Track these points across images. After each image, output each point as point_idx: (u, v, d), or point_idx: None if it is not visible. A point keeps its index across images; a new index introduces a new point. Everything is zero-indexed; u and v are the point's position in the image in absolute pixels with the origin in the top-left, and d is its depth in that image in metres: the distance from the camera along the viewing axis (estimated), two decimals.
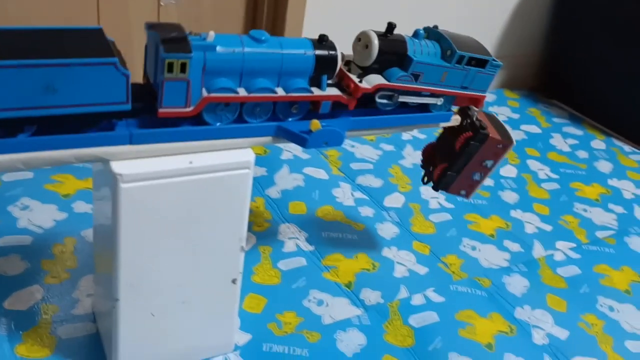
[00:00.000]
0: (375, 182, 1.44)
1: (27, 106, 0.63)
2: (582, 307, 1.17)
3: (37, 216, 1.14)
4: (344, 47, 0.83)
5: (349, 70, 0.85)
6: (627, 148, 1.87)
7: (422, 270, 1.19)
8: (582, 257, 1.31)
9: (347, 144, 1.59)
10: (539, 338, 1.07)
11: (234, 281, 0.86)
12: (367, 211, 1.33)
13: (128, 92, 0.67)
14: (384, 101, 0.87)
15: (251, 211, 1.26)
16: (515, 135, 1.81)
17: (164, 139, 0.73)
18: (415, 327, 1.04)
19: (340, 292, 1.09)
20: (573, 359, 1.04)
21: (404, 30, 0.90)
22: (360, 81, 0.83)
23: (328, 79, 0.81)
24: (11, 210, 1.14)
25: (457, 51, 0.87)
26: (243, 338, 0.97)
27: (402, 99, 0.88)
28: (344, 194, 1.38)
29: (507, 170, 1.62)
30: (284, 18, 1.54)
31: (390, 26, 0.85)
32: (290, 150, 1.51)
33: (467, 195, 1.07)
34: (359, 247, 1.22)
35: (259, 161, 1.44)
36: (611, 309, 1.18)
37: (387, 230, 1.28)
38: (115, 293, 0.78)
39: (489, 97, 2.04)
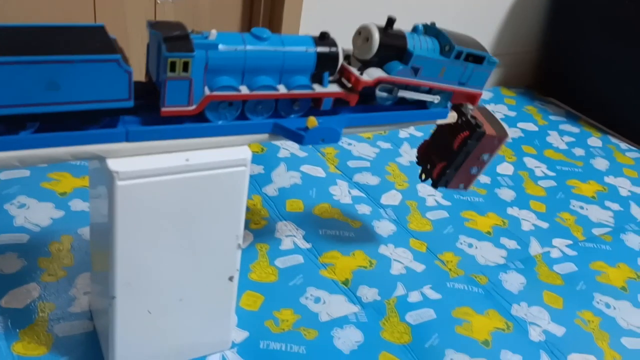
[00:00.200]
0: (372, 180, 1.45)
1: (30, 103, 0.63)
2: (579, 304, 1.17)
3: (33, 214, 1.14)
4: (341, 44, 0.83)
5: (349, 64, 0.85)
6: (623, 145, 1.87)
7: (419, 267, 1.19)
8: (579, 254, 1.32)
9: (344, 141, 1.59)
10: (535, 335, 1.08)
11: (230, 279, 0.86)
12: (364, 209, 1.33)
13: (131, 89, 0.67)
14: (384, 95, 0.87)
15: (248, 209, 1.26)
16: (512, 132, 1.82)
17: (160, 137, 0.73)
18: (412, 324, 1.05)
19: (337, 290, 1.10)
20: (569, 356, 1.04)
21: (400, 28, 0.90)
22: (361, 74, 0.83)
23: (330, 75, 0.81)
24: (8, 209, 1.14)
25: (456, 46, 0.88)
26: (240, 335, 0.97)
27: (401, 93, 0.88)
28: (341, 192, 1.38)
29: (504, 167, 1.62)
30: (281, 16, 1.54)
31: (390, 20, 0.85)
32: (288, 148, 1.51)
33: (465, 188, 1.08)
34: (356, 245, 1.22)
35: (256, 159, 1.44)
36: (607, 305, 1.18)
37: (384, 227, 1.29)
38: (112, 291, 0.78)
39: (486, 94, 2.04)
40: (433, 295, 1.12)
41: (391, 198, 1.39)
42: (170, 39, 0.68)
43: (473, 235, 1.32)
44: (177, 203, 0.75)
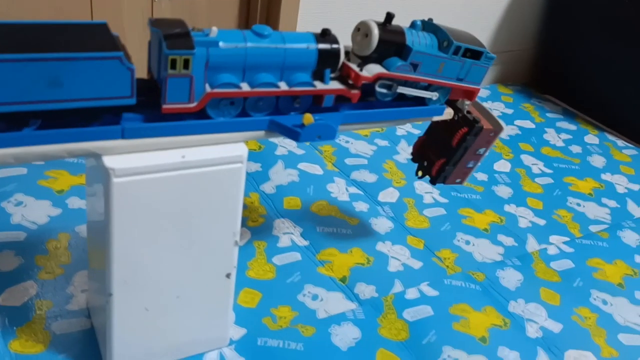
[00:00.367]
0: (369, 177, 1.45)
1: (32, 100, 0.63)
2: (576, 300, 1.17)
3: (31, 212, 1.14)
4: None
5: (349, 60, 0.85)
6: (620, 143, 1.88)
7: (417, 264, 1.19)
8: (576, 251, 1.32)
9: (342, 139, 1.59)
10: (532, 331, 1.08)
11: (228, 276, 0.86)
12: (361, 206, 1.33)
13: (133, 86, 0.67)
14: (384, 91, 0.87)
15: (246, 206, 1.26)
16: (509, 130, 1.82)
17: (156, 134, 0.73)
18: (410, 320, 1.05)
19: (335, 287, 1.10)
20: (566, 352, 1.05)
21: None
22: (361, 70, 0.83)
23: (331, 72, 0.81)
24: (5, 206, 1.14)
25: (454, 42, 0.88)
26: (238, 332, 0.97)
27: (401, 89, 0.88)
28: (339, 189, 1.38)
29: (501, 165, 1.62)
30: (278, 13, 1.54)
31: (389, 16, 0.85)
32: (285, 145, 1.51)
33: (461, 182, 1.09)
34: (354, 242, 1.22)
35: (254, 157, 1.44)
36: (604, 302, 1.18)
37: (381, 225, 1.29)
38: (109, 288, 0.78)
39: (483, 92, 2.04)
40: (430, 292, 1.12)
41: (389, 195, 1.39)
42: (171, 36, 0.68)
43: (470, 232, 1.32)
44: (173, 200, 0.75)
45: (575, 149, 1.79)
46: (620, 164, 1.74)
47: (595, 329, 1.11)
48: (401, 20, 0.91)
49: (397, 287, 1.12)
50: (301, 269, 1.12)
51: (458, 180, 1.08)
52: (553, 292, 1.18)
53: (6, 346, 0.88)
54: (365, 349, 0.98)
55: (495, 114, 1.02)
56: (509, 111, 1.96)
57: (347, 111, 0.86)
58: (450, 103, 0.98)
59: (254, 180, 1.36)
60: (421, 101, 0.93)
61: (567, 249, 1.32)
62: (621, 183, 1.64)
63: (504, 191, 1.50)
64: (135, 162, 0.71)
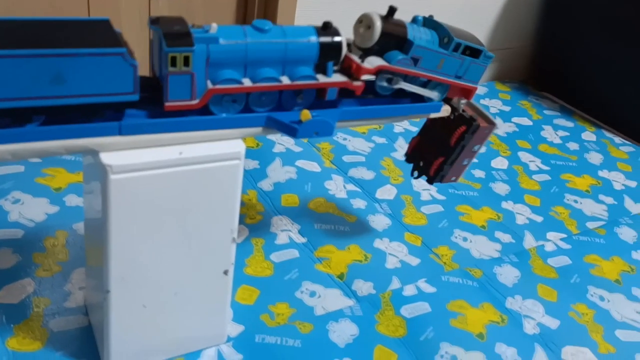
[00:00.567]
0: (367, 175, 1.45)
1: (35, 96, 0.64)
2: (573, 296, 1.18)
3: (28, 210, 1.14)
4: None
5: (350, 52, 0.85)
6: (617, 140, 1.88)
7: (414, 261, 1.19)
8: (573, 247, 1.32)
9: (340, 136, 1.59)
10: (530, 328, 1.08)
11: (225, 272, 0.86)
12: (359, 203, 1.34)
13: (136, 83, 0.68)
14: (384, 84, 0.87)
15: (243, 204, 1.26)
16: (507, 127, 1.82)
17: (153, 130, 0.73)
18: (407, 317, 1.05)
19: (333, 284, 1.10)
20: (564, 348, 1.05)
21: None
22: (362, 62, 0.83)
23: (334, 65, 0.81)
24: (2, 204, 1.14)
25: (455, 38, 0.88)
26: (235, 329, 0.97)
27: (401, 85, 0.88)
28: (336, 187, 1.38)
29: (499, 162, 1.62)
30: (276, 9, 1.54)
31: (392, 9, 0.85)
32: (283, 143, 1.51)
33: (456, 180, 1.09)
34: (351, 239, 1.22)
35: (252, 154, 1.44)
36: (602, 298, 1.19)
37: (379, 222, 1.29)
38: (107, 285, 0.78)
39: (481, 89, 2.04)
40: (428, 288, 1.12)
41: (386, 192, 1.39)
42: (170, 34, 0.68)
43: (468, 229, 1.32)
44: (171, 196, 0.75)
45: (573, 146, 1.79)
46: (618, 161, 1.74)
47: (593, 325, 1.11)
48: (399, 18, 0.91)
49: (395, 283, 1.12)
50: (299, 265, 1.12)
51: (453, 178, 1.08)
52: (550, 289, 1.19)
53: (3, 344, 0.88)
54: (363, 345, 0.98)
55: (492, 111, 1.02)
56: (507, 108, 1.96)
57: (344, 108, 0.86)
58: (446, 101, 0.99)
59: (251, 178, 1.36)
60: (418, 98, 0.93)
61: (565, 246, 1.32)
62: (618, 180, 1.64)
63: (501, 188, 1.50)
64: (132, 158, 0.71)
